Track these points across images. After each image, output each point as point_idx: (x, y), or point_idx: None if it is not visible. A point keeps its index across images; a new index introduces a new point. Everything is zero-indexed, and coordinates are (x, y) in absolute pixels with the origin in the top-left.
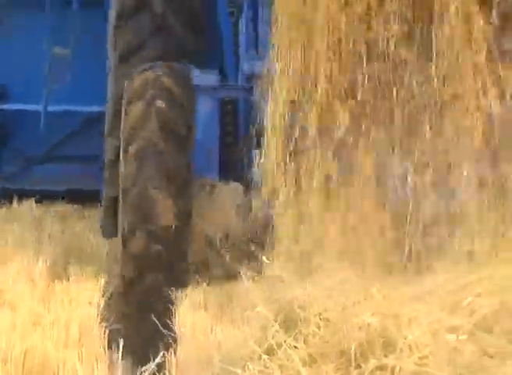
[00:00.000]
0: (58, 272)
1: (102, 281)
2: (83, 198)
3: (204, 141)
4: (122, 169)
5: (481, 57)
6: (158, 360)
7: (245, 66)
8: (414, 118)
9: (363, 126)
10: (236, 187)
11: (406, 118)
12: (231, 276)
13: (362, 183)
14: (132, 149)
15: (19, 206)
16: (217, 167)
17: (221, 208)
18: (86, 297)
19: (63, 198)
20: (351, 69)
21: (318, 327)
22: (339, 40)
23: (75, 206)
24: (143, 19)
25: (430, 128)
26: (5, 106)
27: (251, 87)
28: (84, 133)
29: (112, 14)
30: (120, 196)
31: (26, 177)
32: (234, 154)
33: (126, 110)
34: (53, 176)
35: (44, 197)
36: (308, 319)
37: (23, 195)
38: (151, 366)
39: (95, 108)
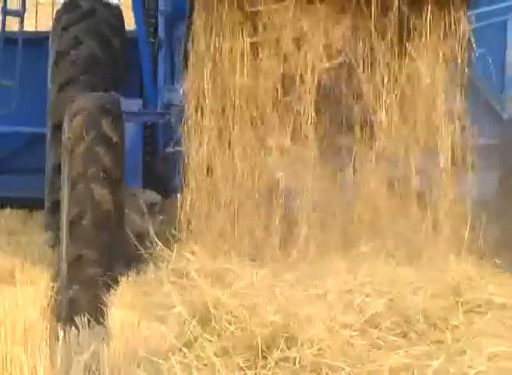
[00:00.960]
0: (5, 277)
1: (46, 285)
2: (28, 204)
3: (130, 157)
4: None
5: None
6: (91, 351)
7: (163, 96)
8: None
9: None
10: (152, 193)
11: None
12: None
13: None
14: (78, 152)
15: None
16: (141, 180)
17: (139, 209)
18: (31, 300)
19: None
20: (263, 102)
21: (230, 324)
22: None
23: (19, 212)
24: (77, 56)
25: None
26: None
27: (169, 114)
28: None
29: (52, 52)
30: (66, 194)
31: None
32: (154, 169)
33: (67, 125)
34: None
35: None
36: (221, 317)
37: None
38: (85, 356)
39: (38, 130)
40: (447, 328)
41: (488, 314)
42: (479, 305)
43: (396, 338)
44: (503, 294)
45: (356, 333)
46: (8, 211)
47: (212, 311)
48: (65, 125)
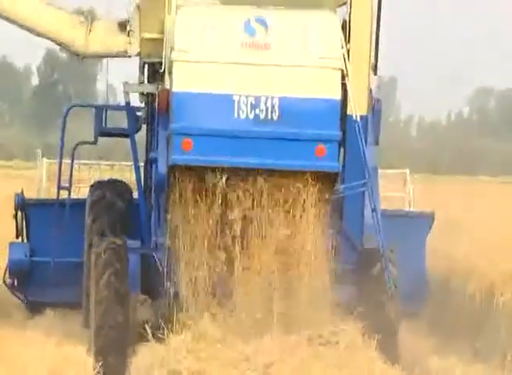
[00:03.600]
0: None
1: None
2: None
3: (133, 275)
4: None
5: None
6: None
7: (154, 238)
8: None
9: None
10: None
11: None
12: None
13: None
14: (101, 282)
15: None
16: (139, 289)
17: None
18: None
19: None
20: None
21: None
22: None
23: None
24: (102, 203)
25: None
26: None
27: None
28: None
29: (88, 215)
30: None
31: None
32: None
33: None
34: None
35: None
36: None
37: None
38: None
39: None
40: None
41: None
42: None
43: None
44: None
45: None
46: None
47: None
48: (92, 259)
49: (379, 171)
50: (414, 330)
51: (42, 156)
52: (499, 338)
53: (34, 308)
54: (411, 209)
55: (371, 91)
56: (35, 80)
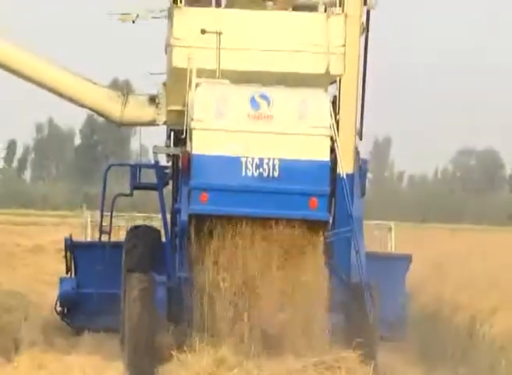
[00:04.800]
0: None
1: None
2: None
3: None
4: None
5: None
6: None
7: (178, 273)
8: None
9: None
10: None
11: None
12: None
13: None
14: (134, 312)
15: None
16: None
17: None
18: None
19: None
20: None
21: None
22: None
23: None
24: (136, 246)
25: None
26: None
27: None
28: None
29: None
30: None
31: None
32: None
33: (128, 294)
34: None
35: None
36: None
37: None
38: None
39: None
40: None
41: None
42: None
43: None
44: None
45: None
46: None
47: None
48: (126, 292)
49: (373, 222)
50: (403, 357)
51: (86, 208)
52: (480, 364)
53: (79, 332)
54: (392, 252)
55: (358, 153)
56: (77, 141)
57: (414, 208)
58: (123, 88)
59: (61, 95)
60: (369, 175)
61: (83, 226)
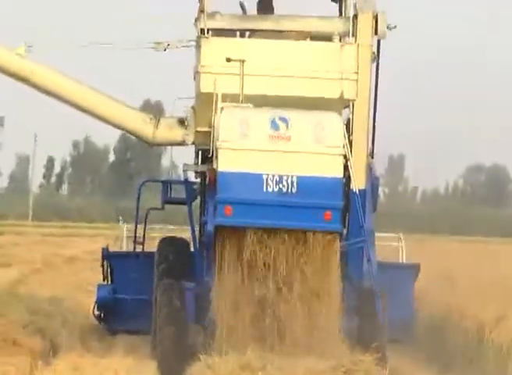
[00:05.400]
0: None
1: None
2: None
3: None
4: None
5: None
6: None
7: (206, 281)
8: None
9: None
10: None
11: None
12: None
13: None
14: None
15: None
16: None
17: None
18: None
19: None
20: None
21: None
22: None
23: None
24: (167, 257)
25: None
26: None
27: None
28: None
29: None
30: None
31: None
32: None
33: (159, 298)
34: None
35: None
36: None
37: None
38: None
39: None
40: None
41: None
42: None
43: None
44: None
45: None
46: None
47: None
48: (158, 298)
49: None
50: (413, 362)
51: (123, 221)
52: (488, 369)
53: (114, 334)
54: (402, 261)
55: (371, 170)
56: (112, 157)
57: (426, 220)
58: (155, 109)
59: (100, 118)
60: (385, 190)
61: (119, 238)
